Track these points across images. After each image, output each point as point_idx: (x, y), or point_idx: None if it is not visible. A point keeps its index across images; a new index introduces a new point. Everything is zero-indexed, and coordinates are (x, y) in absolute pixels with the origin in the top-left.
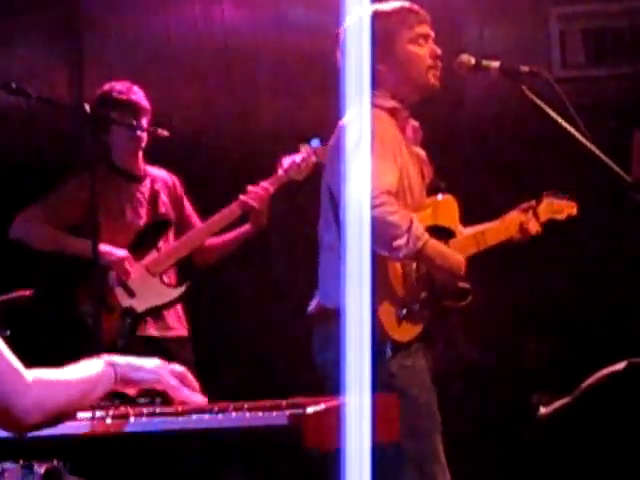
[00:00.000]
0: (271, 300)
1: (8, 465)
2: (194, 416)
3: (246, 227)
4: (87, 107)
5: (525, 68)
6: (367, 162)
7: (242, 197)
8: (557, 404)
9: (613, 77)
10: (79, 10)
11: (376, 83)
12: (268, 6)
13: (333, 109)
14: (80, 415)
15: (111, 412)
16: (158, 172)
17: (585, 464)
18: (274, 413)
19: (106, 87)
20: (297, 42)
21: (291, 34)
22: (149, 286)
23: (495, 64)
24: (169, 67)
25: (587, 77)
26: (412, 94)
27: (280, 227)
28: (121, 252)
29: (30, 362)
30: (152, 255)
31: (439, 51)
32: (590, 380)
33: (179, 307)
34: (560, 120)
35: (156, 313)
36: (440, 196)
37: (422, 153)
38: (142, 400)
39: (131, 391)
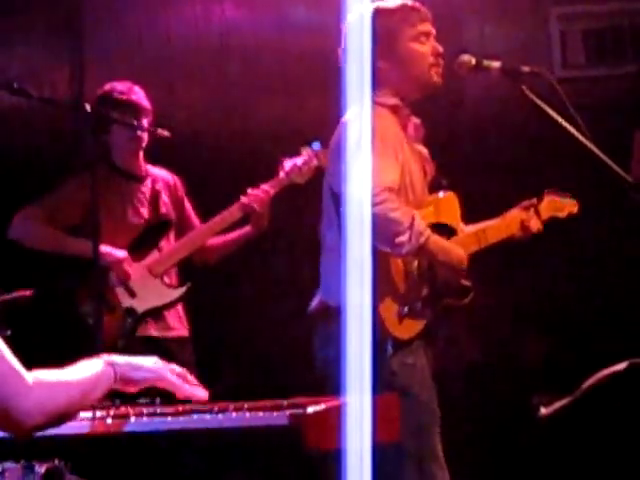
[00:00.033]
0: (271, 300)
1: (9, 465)
2: (194, 416)
3: (247, 229)
4: (88, 107)
5: (526, 68)
6: (368, 160)
7: (243, 199)
8: (558, 404)
9: (613, 77)
10: (80, 10)
11: (378, 81)
12: (269, 6)
13: (334, 109)
14: (81, 415)
15: (112, 412)
16: (159, 172)
17: (586, 465)
18: (275, 413)
19: (107, 87)
20: (298, 42)
21: (292, 34)
22: (150, 286)
23: (496, 64)
24: (170, 67)
25: (587, 77)
26: (414, 92)
27: (281, 227)
28: (120, 253)
29: (31, 362)
30: (153, 255)
31: (441, 49)
32: (591, 380)
33: (180, 307)
34: (560, 120)
35: (157, 314)
36: (442, 193)
37: (424, 151)
38: (142, 400)
39: (132, 389)
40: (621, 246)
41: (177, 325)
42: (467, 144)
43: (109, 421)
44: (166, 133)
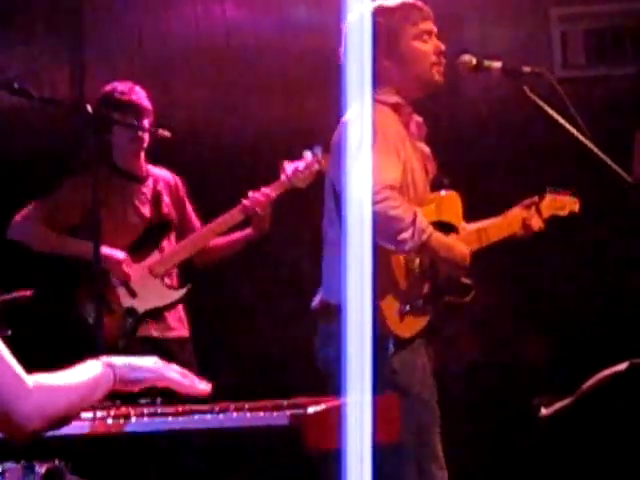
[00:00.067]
0: (272, 300)
1: (9, 465)
2: (195, 416)
3: (248, 231)
4: (89, 107)
5: (527, 69)
6: (370, 158)
7: (245, 202)
8: (558, 405)
9: (614, 77)
10: (80, 10)
11: (380, 79)
12: (270, 6)
13: (334, 109)
14: (81, 415)
15: (112, 412)
16: (160, 172)
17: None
18: (275, 413)
19: (108, 88)
20: (298, 42)
21: (292, 34)
22: (151, 287)
23: (497, 64)
24: (170, 67)
25: (588, 77)
26: (416, 90)
27: (282, 226)
28: (119, 254)
29: (31, 363)
30: (154, 256)
31: (443, 47)
32: (592, 381)
33: (180, 308)
34: (561, 120)
35: (157, 314)
36: (443, 192)
37: (426, 149)
38: (143, 400)
39: (132, 390)
40: (622, 246)
41: (177, 326)
42: (468, 143)
43: (109, 421)
44: (167, 133)
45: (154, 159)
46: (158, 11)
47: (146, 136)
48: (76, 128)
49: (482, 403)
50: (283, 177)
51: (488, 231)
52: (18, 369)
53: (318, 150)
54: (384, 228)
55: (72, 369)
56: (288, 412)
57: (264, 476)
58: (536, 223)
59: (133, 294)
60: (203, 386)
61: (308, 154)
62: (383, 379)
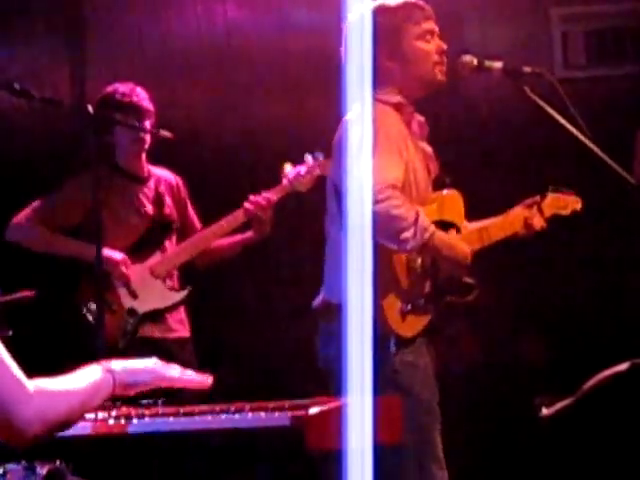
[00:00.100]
0: (273, 300)
1: (11, 466)
2: (196, 417)
3: (249, 234)
4: (90, 108)
5: (527, 69)
6: (371, 158)
7: (247, 205)
8: (559, 405)
9: (614, 78)
10: (81, 10)
11: (382, 79)
12: (270, 6)
13: (335, 109)
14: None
15: (113, 413)
16: (162, 172)
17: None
18: (276, 414)
19: (109, 89)
20: (300, 42)
21: (294, 34)
22: (152, 288)
23: (498, 65)
24: (171, 67)
25: (588, 78)
26: (418, 90)
27: (282, 227)
28: (117, 255)
29: (32, 363)
30: (156, 257)
31: (445, 46)
32: (593, 381)
33: (182, 309)
34: (562, 120)
35: (158, 316)
36: (445, 191)
37: (428, 148)
38: (144, 401)
39: (132, 393)
40: (622, 246)
41: (178, 327)
42: (469, 143)
43: (111, 422)
44: (168, 134)
45: (154, 159)
46: (159, 11)
47: (147, 137)
48: (76, 129)
49: (482, 403)
50: (285, 181)
51: (490, 230)
52: (19, 374)
53: (319, 155)
54: (386, 227)
55: (72, 374)
56: (289, 413)
57: (265, 477)
58: (538, 222)
59: (134, 295)
60: (204, 377)
61: (309, 158)
62: (384, 379)
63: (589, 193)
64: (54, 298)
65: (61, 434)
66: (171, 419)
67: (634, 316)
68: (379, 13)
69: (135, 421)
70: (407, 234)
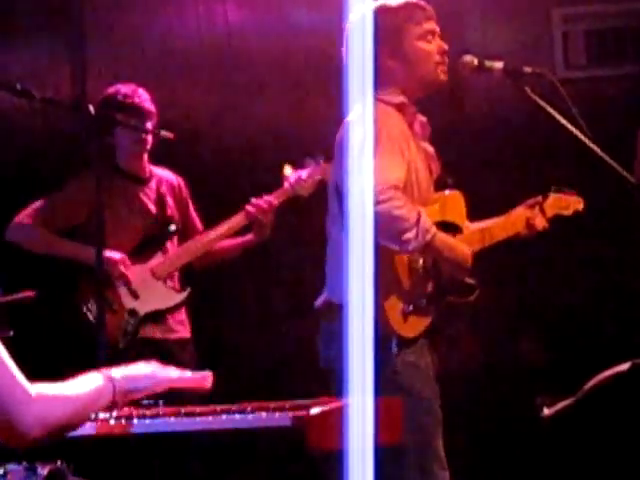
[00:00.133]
0: (273, 300)
1: (11, 467)
2: (197, 417)
3: (249, 237)
4: (91, 108)
5: (528, 69)
6: (373, 158)
7: (249, 208)
8: (560, 405)
9: (615, 78)
10: (81, 10)
11: (384, 79)
12: (271, 7)
13: (336, 109)
14: None
15: (114, 413)
16: (163, 173)
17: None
18: (277, 414)
19: (111, 90)
20: (300, 43)
21: (294, 35)
22: (153, 289)
23: (498, 65)
24: (172, 67)
25: (589, 78)
26: (420, 90)
27: (282, 227)
28: (116, 255)
29: (33, 363)
30: (157, 258)
31: (446, 47)
32: (594, 381)
33: (182, 310)
34: (563, 120)
35: (159, 316)
36: (447, 192)
37: (430, 149)
38: (145, 401)
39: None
40: (622, 246)
41: (179, 328)
42: (470, 143)
43: (112, 422)
44: (169, 135)
45: (154, 159)
46: (159, 11)
47: (149, 138)
48: (77, 129)
49: (482, 403)
50: (286, 185)
51: (492, 231)
52: (21, 378)
53: (321, 159)
54: (388, 228)
55: (74, 380)
56: (290, 413)
57: (266, 477)
58: (540, 223)
59: (135, 295)
60: (204, 373)
61: (311, 162)
62: (385, 379)
63: (589, 193)
64: (55, 298)
65: None
66: (172, 419)
67: (634, 316)
68: (380, 13)
69: (136, 421)
70: (409, 235)
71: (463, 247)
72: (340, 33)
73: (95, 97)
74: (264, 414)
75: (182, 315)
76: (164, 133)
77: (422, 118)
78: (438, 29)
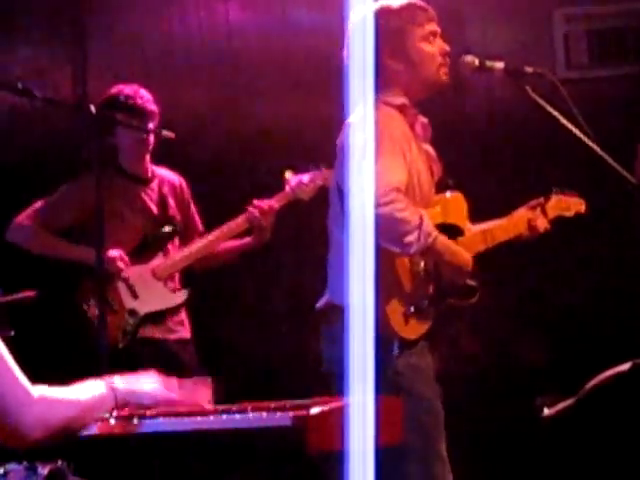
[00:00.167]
0: (274, 301)
1: (12, 466)
2: (198, 417)
3: (248, 240)
4: (92, 108)
5: (529, 69)
6: (374, 160)
7: (251, 209)
8: (561, 405)
9: (616, 78)
10: (82, 10)
11: (387, 80)
12: (273, 7)
13: (338, 110)
14: None
15: (115, 413)
16: (165, 173)
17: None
18: (278, 414)
19: (114, 90)
20: (301, 43)
21: (296, 35)
22: (153, 290)
23: (499, 65)
24: (173, 67)
25: (591, 78)
26: (423, 91)
27: (283, 228)
28: (114, 252)
29: (34, 363)
30: (158, 259)
31: (447, 48)
32: (594, 381)
33: (182, 310)
34: (564, 120)
35: (159, 317)
36: (449, 193)
37: (431, 150)
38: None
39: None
40: (623, 246)
41: (179, 328)
42: (471, 143)
43: (112, 422)
44: (171, 134)
45: (155, 159)
46: (160, 11)
47: (151, 138)
48: (79, 129)
49: (482, 403)
50: (287, 188)
51: (493, 232)
52: (23, 379)
53: (323, 166)
54: (390, 230)
55: (76, 386)
56: (291, 413)
57: (266, 477)
58: (542, 224)
59: (135, 295)
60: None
61: (313, 168)
62: (387, 380)
63: (590, 193)
64: (55, 298)
65: None
66: (172, 419)
67: (634, 316)
68: (382, 15)
69: (136, 422)
70: (411, 238)
71: (464, 253)
72: (341, 33)
73: (95, 97)
74: (264, 414)
75: (182, 316)
76: (165, 133)
77: (423, 119)
78: (439, 30)
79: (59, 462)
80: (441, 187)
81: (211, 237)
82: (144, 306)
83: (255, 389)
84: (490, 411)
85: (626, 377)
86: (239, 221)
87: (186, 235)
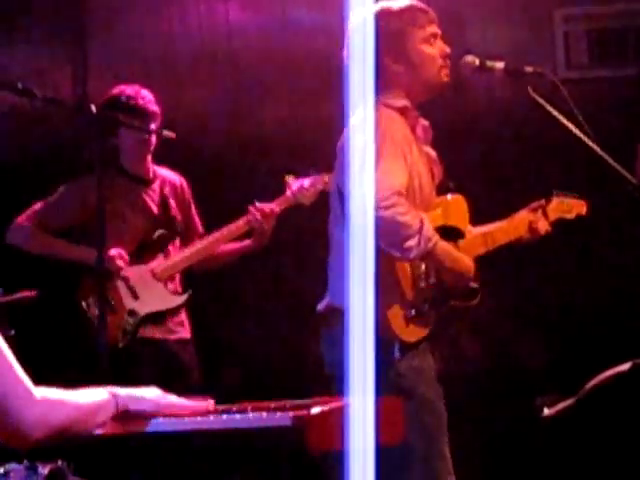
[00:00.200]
0: (274, 301)
1: (12, 466)
2: (198, 417)
3: (247, 242)
4: (93, 108)
5: (529, 69)
6: (375, 163)
7: (251, 212)
8: (561, 405)
9: (617, 78)
10: (82, 10)
11: (388, 82)
12: (273, 7)
13: (338, 111)
14: None
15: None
16: (166, 173)
17: (590, 466)
18: (278, 414)
19: (115, 91)
20: (302, 43)
21: (296, 35)
22: (153, 290)
23: (500, 65)
24: (173, 68)
25: (591, 78)
26: (424, 93)
27: (283, 228)
28: (113, 250)
29: (34, 363)
30: (159, 260)
31: (448, 50)
32: (595, 381)
33: (182, 311)
34: (564, 121)
35: (159, 318)
36: (450, 196)
37: (432, 152)
38: None
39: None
40: (623, 246)
41: (179, 329)
42: (472, 144)
43: (112, 422)
44: (172, 134)
45: (155, 159)
46: (161, 11)
47: (153, 139)
48: (79, 129)
49: (482, 403)
50: (288, 193)
51: (494, 235)
52: (25, 379)
53: (324, 171)
54: (391, 234)
55: (79, 391)
56: (291, 413)
57: (266, 477)
58: (543, 226)
59: (135, 295)
60: (206, 403)
61: (314, 173)
62: (389, 382)
63: (590, 193)
64: (55, 298)
65: None
66: (172, 419)
67: (634, 316)
68: (383, 17)
69: (136, 421)
70: (411, 242)
71: (465, 259)
72: (341, 33)
73: (95, 97)
74: (264, 414)
75: (182, 316)
76: (166, 133)
77: (424, 122)
78: (440, 32)
79: (59, 462)
80: (442, 190)
81: (211, 239)
82: (144, 307)
83: (255, 389)
84: (490, 411)
85: (626, 377)
86: (240, 223)
87: (187, 236)
